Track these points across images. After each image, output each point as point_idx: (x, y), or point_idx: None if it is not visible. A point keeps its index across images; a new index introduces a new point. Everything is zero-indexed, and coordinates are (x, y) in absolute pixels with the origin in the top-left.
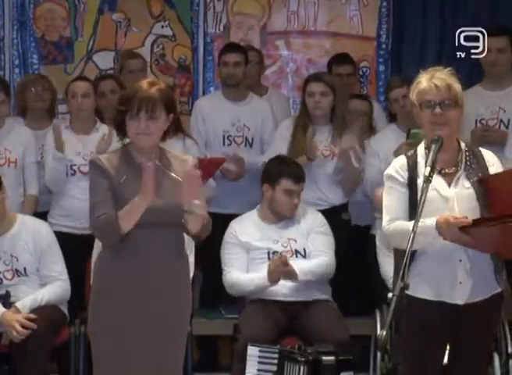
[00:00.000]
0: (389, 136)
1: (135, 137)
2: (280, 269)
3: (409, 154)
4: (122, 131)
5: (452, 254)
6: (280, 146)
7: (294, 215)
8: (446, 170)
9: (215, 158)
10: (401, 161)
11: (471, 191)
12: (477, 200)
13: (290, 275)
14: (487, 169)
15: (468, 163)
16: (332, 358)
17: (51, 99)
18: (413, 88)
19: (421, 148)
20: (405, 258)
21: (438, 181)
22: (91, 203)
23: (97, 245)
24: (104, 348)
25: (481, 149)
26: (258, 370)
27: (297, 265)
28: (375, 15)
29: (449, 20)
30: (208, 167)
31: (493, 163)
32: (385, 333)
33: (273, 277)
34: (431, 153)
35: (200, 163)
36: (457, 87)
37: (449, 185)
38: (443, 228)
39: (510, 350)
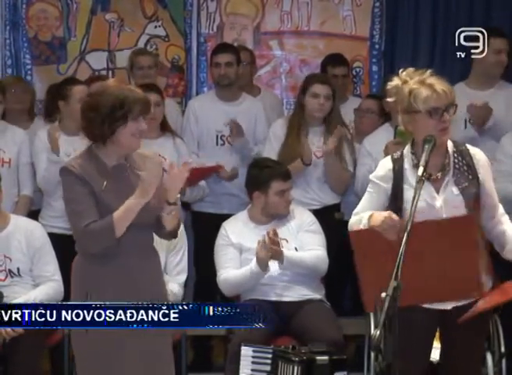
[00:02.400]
0: (381, 135)
1: (130, 140)
2: (268, 248)
3: (395, 156)
4: (103, 136)
5: None
6: (273, 145)
7: (289, 212)
8: (434, 176)
9: (211, 167)
10: (387, 166)
11: (460, 197)
12: (465, 207)
13: (277, 255)
14: (476, 170)
15: (457, 166)
16: (325, 357)
17: (30, 101)
18: (406, 94)
19: (407, 152)
20: (398, 258)
21: (426, 189)
22: (72, 212)
23: None
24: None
25: (468, 147)
26: (252, 370)
27: (288, 252)
28: (368, 15)
29: (441, 20)
30: (201, 174)
31: (482, 164)
32: (378, 332)
33: (261, 260)
34: (424, 153)
35: (194, 171)
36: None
37: (438, 192)
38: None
39: (503, 349)
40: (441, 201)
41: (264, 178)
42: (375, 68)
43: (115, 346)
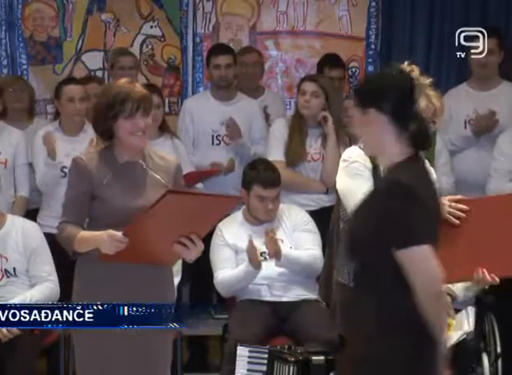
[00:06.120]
0: None
1: (128, 138)
2: (267, 246)
3: (362, 146)
4: (106, 134)
5: None
6: (275, 146)
7: (273, 219)
8: None
9: (209, 171)
10: (360, 151)
11: None
12: None
13: (276, 253)
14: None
15: None
16: (321, 357)
17: (29, 100)
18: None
19: (359, 154)
20: None
21: None
22: (64, 201)
23: None
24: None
25: None
26: (248, 370)
27: (285, 249)
28: (364, 15)
29: (438, 21)
30: (200, 177)
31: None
32: None
33: (252, 260)
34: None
35: (193, 174)
36: None
37: None
38: None
39: (499, 350)
40: None
41: (248, 179)
42: (371, 68)
43: (115, 345)
